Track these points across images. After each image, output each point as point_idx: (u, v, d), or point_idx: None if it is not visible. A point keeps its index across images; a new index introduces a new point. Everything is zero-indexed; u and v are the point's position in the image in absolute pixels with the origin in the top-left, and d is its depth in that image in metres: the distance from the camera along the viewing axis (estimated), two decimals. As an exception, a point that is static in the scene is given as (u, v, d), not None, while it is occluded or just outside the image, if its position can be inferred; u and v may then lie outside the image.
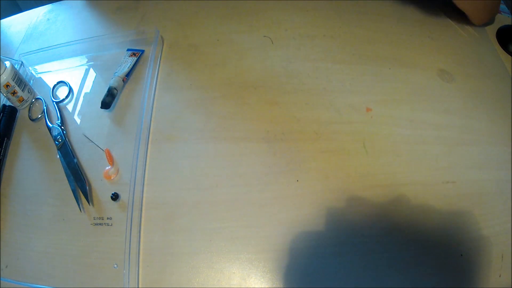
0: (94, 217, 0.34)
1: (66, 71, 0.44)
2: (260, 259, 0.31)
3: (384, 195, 0.34)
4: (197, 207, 0.34)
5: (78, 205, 0.34)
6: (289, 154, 0.36)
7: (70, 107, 0.41)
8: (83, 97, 0.42)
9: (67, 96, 0.42)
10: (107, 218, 0.34)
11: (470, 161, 0.37)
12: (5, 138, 0.39)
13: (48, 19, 0.50)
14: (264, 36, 0.45)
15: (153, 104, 0.40)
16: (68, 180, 0.35)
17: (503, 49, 0.46)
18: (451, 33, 0.48)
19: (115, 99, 0.40)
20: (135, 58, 0.43)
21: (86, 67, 0.44)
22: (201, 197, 0.34)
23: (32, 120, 0.41)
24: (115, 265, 0.31)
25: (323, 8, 0.48)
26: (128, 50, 0.44)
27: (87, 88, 0.42)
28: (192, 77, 0.42)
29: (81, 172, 0.35)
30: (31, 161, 0.38)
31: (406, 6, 0.49)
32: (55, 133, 0.38)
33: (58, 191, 0.35)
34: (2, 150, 0.38)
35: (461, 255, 0.32)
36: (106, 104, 0.39)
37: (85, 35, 0.47)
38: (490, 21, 0.48)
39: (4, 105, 0.40)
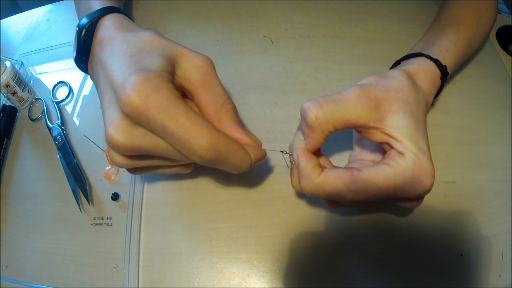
0: (94, 217, 0.34)
1: (66, 71, 0.44)
2: (260, 259, 0.31)
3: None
4: (197, 207, 0.34)
5: (78, 205, 0.34)
6: (289, 154, 0.36)
7: (70, 107, 0.41)
8: (83, 97, 0.42)
9: (67, 96, 0.42)
10: (107, 218, 0.34)
11: (470, 161, 0.37)
12: (5, 138, 0.39)
13: (49, 19, 0.50)
14: (264, 36, 0.45)
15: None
16: (68, 180, 0.35)
17: (503, 49, 0.46)
18: (451, 33, 0.48)
19: (115, 99, 0.40)
20: (135, 58, 0.43)
21: (86, 67, 0.44)
22: (201, 197, 0.34)
23: (32, 120, 0.41)
24: (115, 265, 0.31)
25: (323, 8, 0.48)
26: (128, 50, 0.44)
27: (87, 88, 0.42)
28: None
29: (81, 172, 0.35)
30: (31, 161, 0.38)
31: (406, 6, 0.49)
32: (55, 133, 0.38)
33: (58, 191, 0.35)
34: (2, 150, 0.38)
35: (461, 255, 0.32)
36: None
37: (85, 35, 0.47)
38: None
39: (4, 105, 0.40)
